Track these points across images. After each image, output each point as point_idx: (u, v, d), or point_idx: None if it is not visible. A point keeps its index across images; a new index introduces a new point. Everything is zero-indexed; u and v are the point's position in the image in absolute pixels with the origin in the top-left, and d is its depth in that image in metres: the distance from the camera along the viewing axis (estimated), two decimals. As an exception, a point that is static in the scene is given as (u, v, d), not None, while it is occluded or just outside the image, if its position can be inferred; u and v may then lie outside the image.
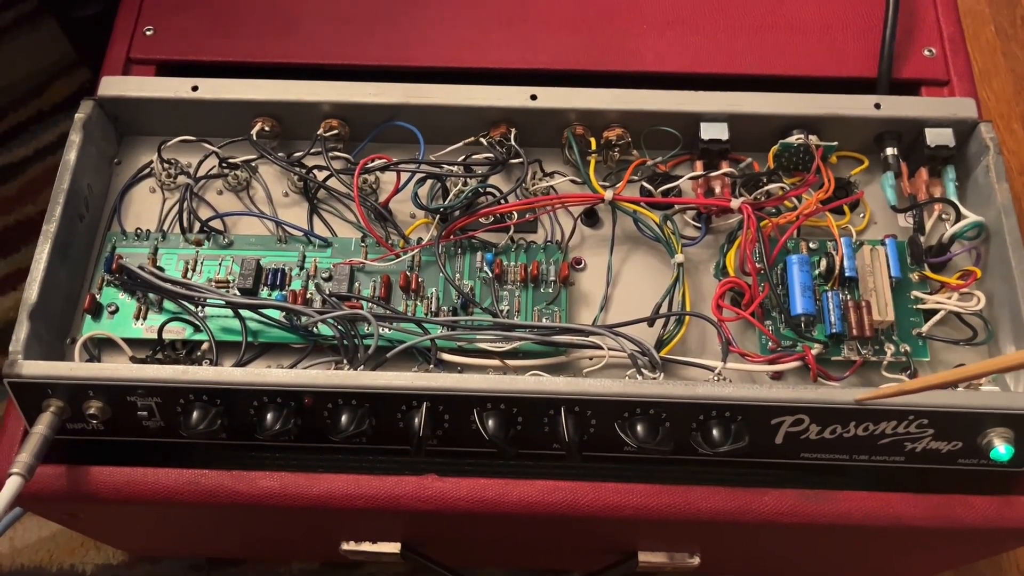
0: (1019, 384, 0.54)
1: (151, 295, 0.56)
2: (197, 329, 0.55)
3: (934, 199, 0.59)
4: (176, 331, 0.55)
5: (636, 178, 0.60)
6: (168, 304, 0.56)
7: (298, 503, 0.52)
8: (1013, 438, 0.50)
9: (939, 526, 0.51)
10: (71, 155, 0.57)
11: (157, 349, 0.54)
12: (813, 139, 0.59)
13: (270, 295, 0.56)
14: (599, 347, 0.53)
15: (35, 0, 1.02)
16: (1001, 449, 0.50)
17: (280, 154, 0.60)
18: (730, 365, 0.53)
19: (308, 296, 0.56)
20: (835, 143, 0.59)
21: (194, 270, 0.57)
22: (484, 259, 0.57)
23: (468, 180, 0.59)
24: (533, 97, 0.59)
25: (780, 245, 0.56)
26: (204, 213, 0.60)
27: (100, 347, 0.56)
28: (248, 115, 0.60)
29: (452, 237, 0.58)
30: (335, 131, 0.60)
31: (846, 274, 0.55)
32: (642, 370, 0.52)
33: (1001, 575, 0.79)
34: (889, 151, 0.60)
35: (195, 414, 0.51)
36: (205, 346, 0.55)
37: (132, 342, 0.55)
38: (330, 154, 0.59)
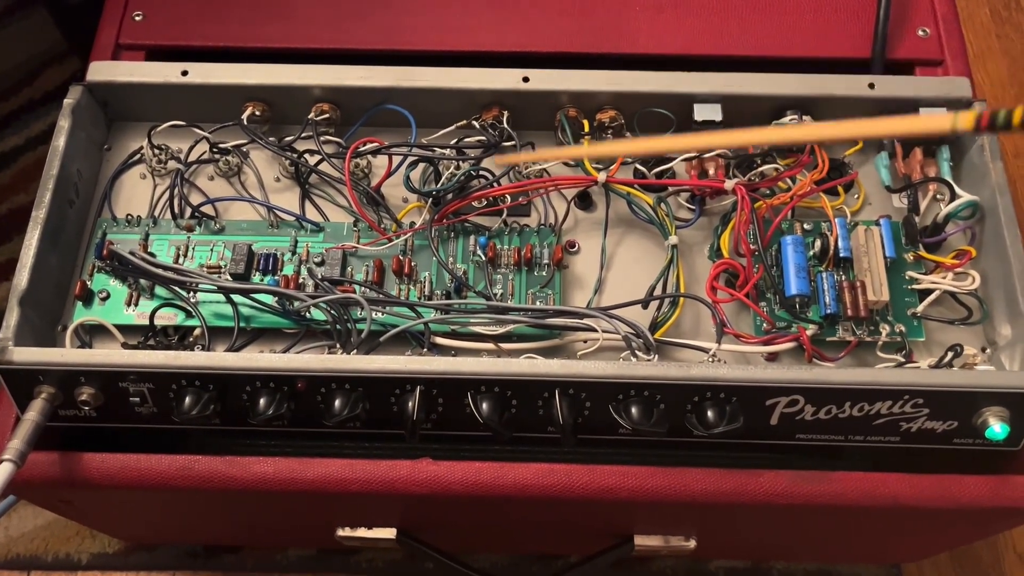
0: (1014, 363, 0.54)
1: (142, 281, 0.56)
2: (189, 315, 0.55)
3: (929, 179, 0.59)
4: (168, 317, 0.55)
5: (629, 160, 0.60)
6: (160, 290, 0.56)
7: (292, 488, 0.51)
8: (1008, 417, 0.50)
9: (935, 506, 0.51)
10: (60, 141, 0.56)
11: (149, 335, 0.54)
12: (807, 120, 0.58)
13: (262, 280, 0.56)
14: (593, 329, 0.53)
15: (24, -12, 1.01)
16: (996, 428, 0.50)
17: (271, 139, 0.60)
18: (725, 346, 0.53)
19: (300, 281, 0.56)
20: (829, 123, 0.59)
21: (185, 256, 0.57)
22: (477, 243, 0.57)
23: (460, 163, 0.58)
24: (525, 79, 0.59)
25: (774, 226, 0.56)
26: (195, 199, 0.60)
27: (91, 334, 0.55)
28: (239, 100, 0.60)
29: (445, 221, 0.57)
30: (326, 115, 0.60)
31: (841, 255, 0.55)
32: (636, 352, 0.52)
33: (997, 556, 0.79)
34: (883, 131, 0.60)
35: (188, 399, 0.50)
36: (197, 332, 0.54)
37: (124, 328, 0.55)
38: (321, 138, 0.59)
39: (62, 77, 0.99)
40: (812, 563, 0.78)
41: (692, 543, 0.61)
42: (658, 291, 0.55)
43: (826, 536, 0.66)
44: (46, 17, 0.94)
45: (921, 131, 0.32)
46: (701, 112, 0.59)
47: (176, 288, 0.55)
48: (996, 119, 0.28)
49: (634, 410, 0.50)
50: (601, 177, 0.57)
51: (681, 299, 0.55)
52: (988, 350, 0.56)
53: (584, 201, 0.60)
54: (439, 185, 0.58)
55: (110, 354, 0.50)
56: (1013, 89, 1.02)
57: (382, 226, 0.58)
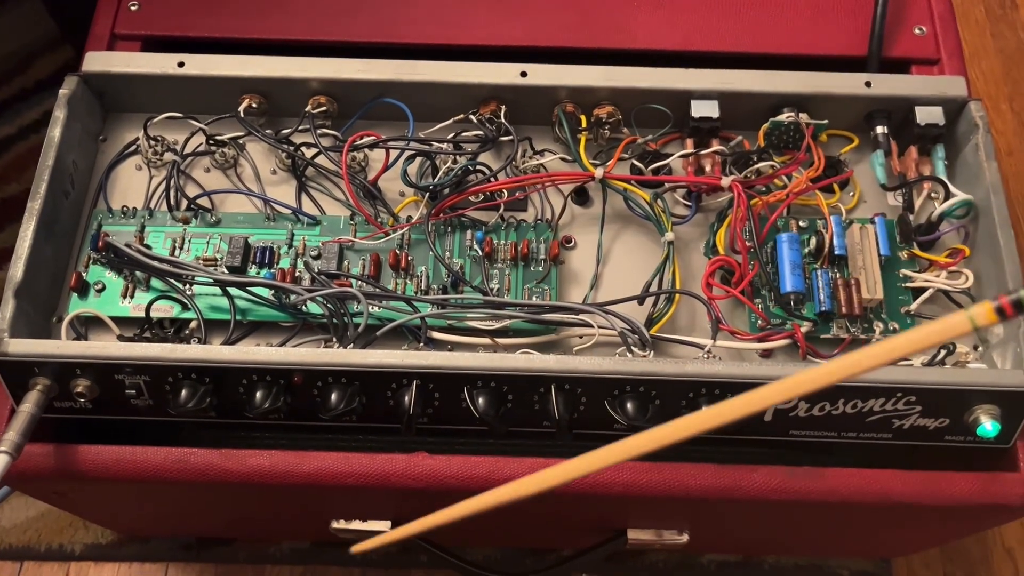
0: (1006, 361, 0.54)
1: (138, 273, 0.55)
2: (185, 307, 0.54)
3: (923, 177, 0.59)
4: (164, 309, 0.55)
5: (626, 156, 0.60)
6: (155, 282, 0.55)
7: (288, 481, 0.52)
8: (999, 415, 0.51)
9: (926, 502, 0.52)
10: (55, 131, 0.56)
11: (145, 327, 0.54)
12: (803, 117, 0.59)
13: (258, 273, 0.56)
14: (589, 325, 0.53)
15: (18, -24, 1.00)
16: (987, 426, 0.50)
17: (268, 131, 0.60)
18: (720, 343, 0.53)
19: (297, 274, 0.56)
20: (825, 121, 0.59)
21: (181, 248, 0.57)
22: (474, 237, 0.57)
23: (458, 158, 0.58)
24: (523, 74, 0.59)
25: (770, 223, 0.56)
26: (191, 191, 0.59)
27: (87, 326, 0.55)
28: (235, 92, 0.60)
29: (442, 215, 0.58)
30: (323, 108, 0.60)
31: (835, 252, 0.55)
32: (632, 348, 0.52)
33: (986, 551, 0.80)
34: (879, 129, 0.60)
35: (184, 392, 0.50)
36: (193, 324, 0.54)
37: (119, 320, 0.54)
38: (318, 131, 0.59)
39: (55, 66, 0.98)
40: (803, 557, 0.79)
41: (685, 537, 0.61)
42: (654, 287, 0.56)
43: (818, 531, 0.67)
44: (38, 5, 0.94)
45: (943, 339, 0.29)
46: (698, 109, 0.59)
47: (172, 281, 0.55)
48: (1021, 302, 0.25)
49: (629, 406, 0.50)
50: (598, 173, 0.57)
51: (677, 295, 0.55)
52: (980, 348, 0.56)
53: (581, 197, 0.60)
54: (436, 179, 0.58)
55: (106, 346, 0.50)
56: (1007, 87, 1.02)
57: (379, 220, 0.58)
